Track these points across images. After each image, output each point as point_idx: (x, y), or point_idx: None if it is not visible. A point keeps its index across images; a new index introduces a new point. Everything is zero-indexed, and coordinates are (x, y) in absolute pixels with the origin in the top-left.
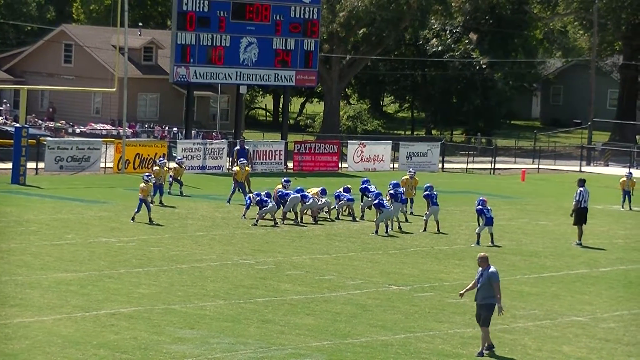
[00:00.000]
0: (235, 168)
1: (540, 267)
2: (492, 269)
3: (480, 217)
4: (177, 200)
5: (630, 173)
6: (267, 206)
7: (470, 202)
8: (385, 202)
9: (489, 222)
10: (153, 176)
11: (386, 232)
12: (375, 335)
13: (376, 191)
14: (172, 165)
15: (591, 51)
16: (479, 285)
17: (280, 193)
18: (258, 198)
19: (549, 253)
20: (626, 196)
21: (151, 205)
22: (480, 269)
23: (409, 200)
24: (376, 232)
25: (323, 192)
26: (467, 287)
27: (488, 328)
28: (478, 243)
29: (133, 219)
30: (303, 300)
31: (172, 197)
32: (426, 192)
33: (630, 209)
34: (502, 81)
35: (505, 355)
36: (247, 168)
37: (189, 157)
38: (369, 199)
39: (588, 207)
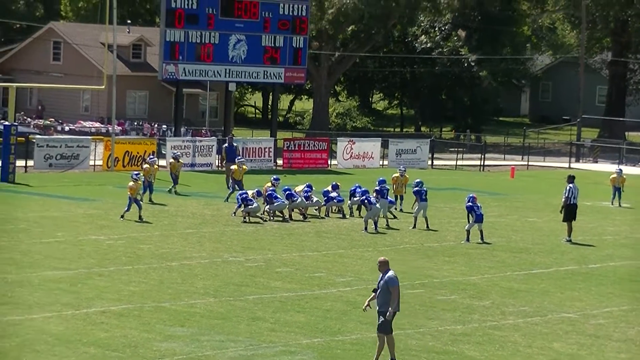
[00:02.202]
0: (233, 167)
1: (530, 264)
2: (390, 273)
3: (470, 214)
4: (167, 198)
5: (620, 170)
6: (252, 205)
7: (459, 199)
8: (372, 199)
9: (479, 219)
10: (142, 174)
11: (375, 229)
12: (366, 332)
13: (363, 189)
14: (165, 161)
15: (580, 48)
16: (378, 291)
17: (269, 192)
18: (244, 196)
19: (538, 250)
20: (616, 192)
21: (141, 203)
22: (381, 274)
23: (399, 197)
24: (365, 229)
25: (309, 188)
26: (370, 297)
27: (391, 335)
28: (468, 240)
29: (122, 217)
30: (293, 297)
31: (163, 194)
32: (416, 188)
33: (620, 205)
34: (489, 78)
35: (495, 352)
36: (244, 167)
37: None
38: (356, 198)
39: (577, 203)
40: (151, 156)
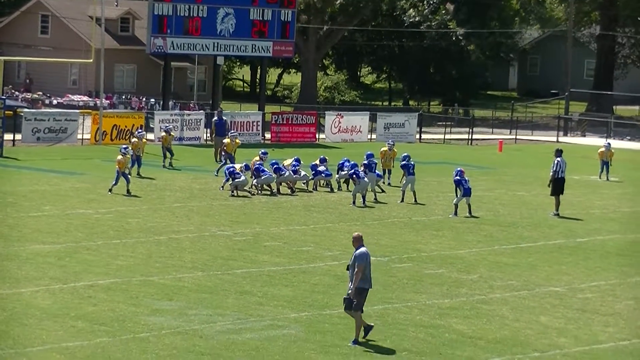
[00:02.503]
0: (226, 140)
1: (518, 238)
2: (360, 250)
3: (457, 188)
4: (155, 172)
5: (608, 143)
6: (239, 178)
7: (447, 173)
8: (360, 172)
9: (467, 192)
10: (131, 148)
11: (363, 203)
12: None
13: (352, 163)
14: (153, 135)
15: (568, 21)
16: (350, 267)
17: (257, 166)
18: (231, 169)
19: (526, 224)
20: (604, 166)
21: (129, 177)
22: (355, 250)
23: (387, 171)
24: (353, 202)
25: (297, 162)
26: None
27: (359, 313)
28: (456, 214)
29: (110, 190)
30: (281, 271)
31: (151, 168)
32: (403, 162)
33: (608, 179)
34: (478, 52)
35: (483, 325)
36: (237, 140)
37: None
38: (344, 172)
39: (565, 177)
40: (139, 130)
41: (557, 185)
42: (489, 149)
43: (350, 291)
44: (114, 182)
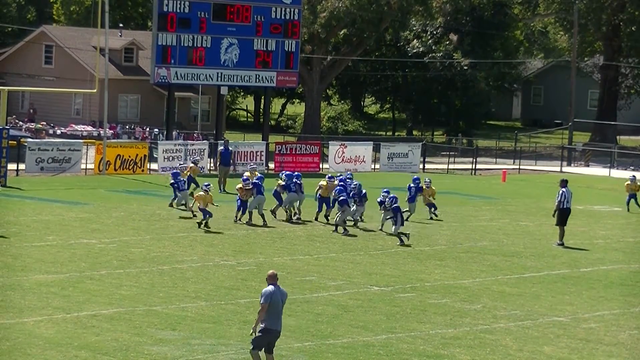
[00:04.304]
0: (247, 173)
1: (522, 268)
2: (267, 287)
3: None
4: (158, 202)
5: (633, 176)
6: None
7: (451, 203)
8: (346, 199)
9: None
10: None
11: (344, 231)
12: (357, 336)
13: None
14: (155, 165)
15: (572, 52)
16: None
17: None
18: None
19: (530, 253)
20: (632, 199)
21: (210, 212)
22: None
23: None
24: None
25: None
26: None
27: (254, 351)
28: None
29: (202, 225)
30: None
31: (156, 198)
32: (380, 199)
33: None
34: (483, 81)
35: (487, 355)
36: (255, 172)
37: (170, 158)
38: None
39: (571, 207)
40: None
41: (562, 215)
42: (492, 179)
43: (252, 332)
44: (203, 217)
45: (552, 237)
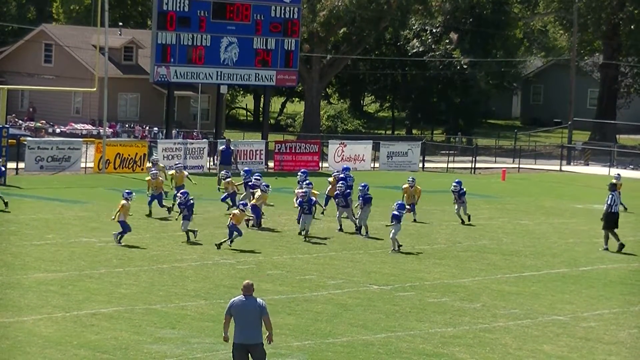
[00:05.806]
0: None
1: (521, 267)
2: (235, 298)
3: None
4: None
5: (618, 174)
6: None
7: (451, 202)
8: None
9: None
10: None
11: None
12: (357, 334)
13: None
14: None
15: (571, 51)
16: None
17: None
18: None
19: (529, 252)
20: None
21: (241, 230)
22: None
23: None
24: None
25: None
26: None
27: None
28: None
29: (224, 245)
30: (284, 300)
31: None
32: (360, 194)
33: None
34: (483, 80)
35: (486, 354)
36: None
37: (170, 157)
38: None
39: (619, 211)
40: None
41: (610, 220)
42: (492, 178)
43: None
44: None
45: (550, 235)
